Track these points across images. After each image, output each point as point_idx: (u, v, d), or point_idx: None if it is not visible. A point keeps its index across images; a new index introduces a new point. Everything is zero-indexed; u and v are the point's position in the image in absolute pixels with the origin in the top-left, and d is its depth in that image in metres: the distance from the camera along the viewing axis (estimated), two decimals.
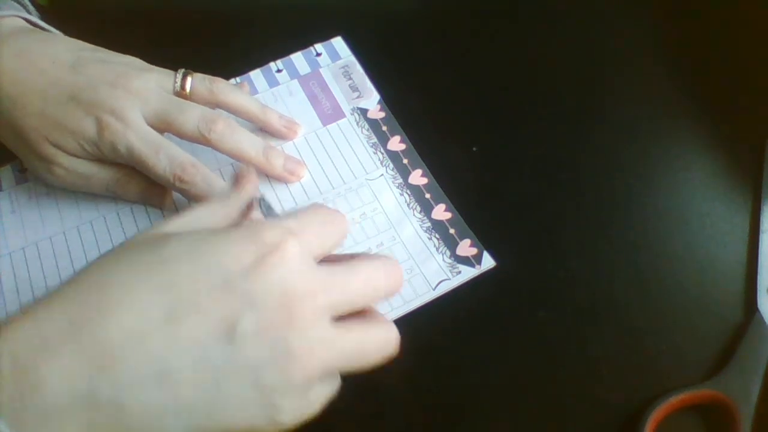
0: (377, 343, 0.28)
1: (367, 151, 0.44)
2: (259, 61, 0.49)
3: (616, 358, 0.36)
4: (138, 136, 0.39)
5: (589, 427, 0.34)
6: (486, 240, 0.40)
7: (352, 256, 0.29)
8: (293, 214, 0.28)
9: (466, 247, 0.40)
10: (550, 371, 0.36)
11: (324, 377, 0.26)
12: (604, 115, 0.45)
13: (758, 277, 0.37)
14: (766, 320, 0.36)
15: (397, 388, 0.36)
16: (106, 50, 0.42)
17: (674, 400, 0.34)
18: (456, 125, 0.45)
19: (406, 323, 0.38)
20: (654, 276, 0.38)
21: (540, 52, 0.49)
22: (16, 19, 0.41)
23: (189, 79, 0.41)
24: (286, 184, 0.43)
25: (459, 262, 0.39)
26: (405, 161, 0.43)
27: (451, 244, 0.40)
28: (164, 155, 0.39)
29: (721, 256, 0.39)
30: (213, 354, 0.24)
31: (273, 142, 0.45)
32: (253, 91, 0.48)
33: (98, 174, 0.41)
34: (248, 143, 0.41)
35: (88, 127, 0.38)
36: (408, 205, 0.42)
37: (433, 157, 0.43)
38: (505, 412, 0.35)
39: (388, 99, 0.46)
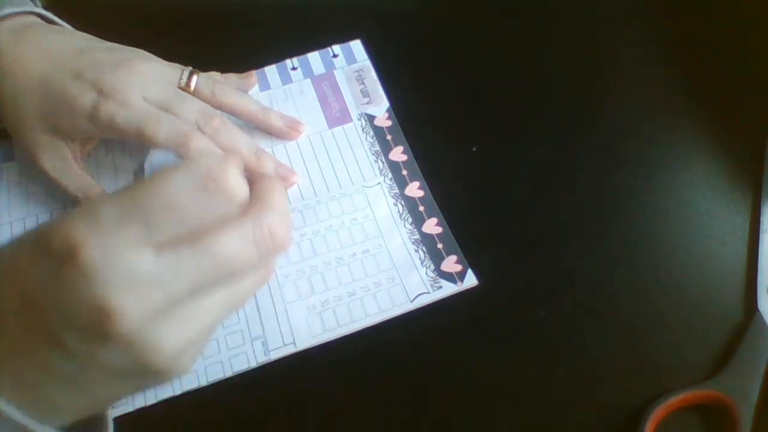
0: (250, 290, 0.25)
1: (369, 158, 0.44)
2: (277, 57, 0.49)
3: (616, 358, 0.36)
4: (136, 109, 0.39)
5: (589, 427, 0.35)
6: (485, 240, 0.40)
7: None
8: (113, 199, 0.23)
9: (451, 264, 0.39)
10: (550, 371, 0.36)
11: (207, 337, 0.25)
12: (604, 115, 0.45)
13: (758, 277, 0.37)
14: (766, 320, 0.36)
15: (397, 387, 0.36)
16: (118, 44, 0.42)
17: (674, 400, 0.34)
18: (461, 134, 0.45)
19: (407, 322, 0.38)
20: (654, 276, 0.38)
21: (540, 54, 0.49)
22: (31, 16, 0.42)
23: (195, 78, 0.42)
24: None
25: (441, 277, 0.39)
26: (404, 172, 0.43)
27: (436, 258, 0.40)
28: (165, 121, 0.38)
29: (721, 256, 0.39)
30: (56, 362, 0.23)
31: (276, 143, 0.45)
32: (266, 86, 0.48)
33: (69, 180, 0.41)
34: (242, 142, 0.42)
35: (87, 101, 0.38)
36: (400, 215, 0.41)
37: (435, 166, 0.43)
38: (505, 412, 0.35)
39: (397, 107, 0.46)
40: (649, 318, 0.37)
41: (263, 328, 0.38)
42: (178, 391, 0.36)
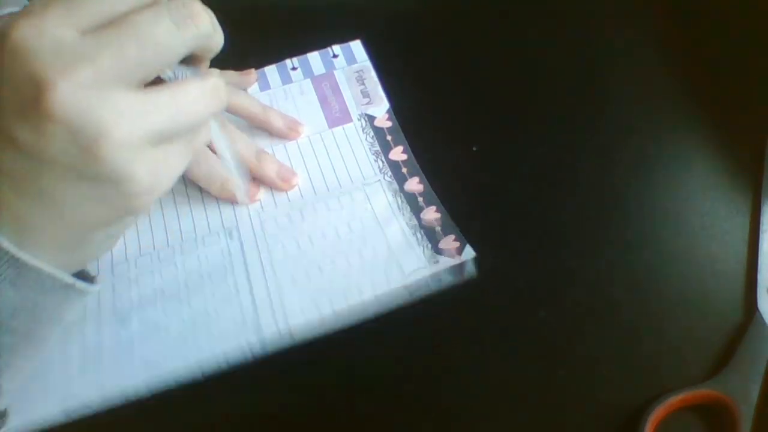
0: (195, 95, 0.27)
1: (368, 158, 0.44)
2: (277, 57, 0.49)
3: (616, 358, 0.36)
4: None
5: (589, 427, 0.35)
6: (485, 240, 0.40)
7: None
8: None
9: (449, 241, 0.39)
10: (549, 371, 0.36)
11: (154, 141, 0.25)
12: (603, 115, 0.45)
13: (758, 277, 0.37)
14: (766, 320, 0.36)
15: (395, 388, 0.36)
16: None
17: (674, 400, 0.34)
18: (461, 134, 0.45)
19: (406, 321, 0.38)
20: (654, 276, 0.38)
21: (540, 54, 0.49)
22: None
23: None
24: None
25: (438, 254, 0.39)
26: (404, 170, 0.43)
27: (434, 239, 0.40)
28: None
29: (721, 256, 0.39)
30: (15, 165, 0.24)
31: (276, 142, 0.45)
32: (266, 86, 0.48)
33: None
34: (242, 144, 0.42)
35: None
36: (399, 207, 0.42)
37: (435, 164, 0.43)
38: (504, 412, 0.35)
39: (397, 107, 0.46)
40: (649, 318, 0.37)
41: (258, 316, 0.38)
42: (170, 381, 0.36)
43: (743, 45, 0.47)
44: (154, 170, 0.25)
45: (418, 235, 0.40)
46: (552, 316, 0.38)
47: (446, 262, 0.38)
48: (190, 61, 0.29)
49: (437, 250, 0.39)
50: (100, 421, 0.35)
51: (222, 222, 0.42)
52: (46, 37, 0.23)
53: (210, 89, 0.27)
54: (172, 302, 0.39)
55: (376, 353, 0.37)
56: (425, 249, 0.39)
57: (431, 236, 0.40)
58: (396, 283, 0.38)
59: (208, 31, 0.26)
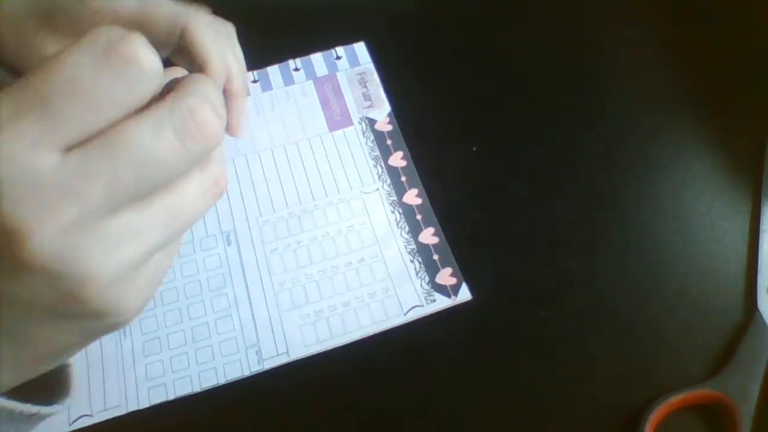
0: (193, 195, 0.22)
1: (368, 163, 0.44)
2: (280, 57, 0.49)
3: (616, 358, 0.36)
4: None
5: (589, 427, 0.35)
6: (486, 240, 0.40)
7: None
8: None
9: (446, 276, 0.39)
10: (550, 371, 0.36)
11: (145, 261, 0.21)
12: (604, 115, 0.45)
13: (758, 277, 0.37)
14: (766, 320, 0.36)
15: (395, 389, 0.36)
16: None
17: (674, 400, 0.34)
18: (461, 134, 0.45)
19: (405, 322, 0.38)
20: (654, 276, 0.39)
21: (541, 55, 0.49)
22: None
23: None
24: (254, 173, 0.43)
25: (436, 290, 0.39)
26: (403, 179, 0.43)
27: (431, 270, 0.39)
28: None
29: (721, 256, 0.39)
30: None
31: (277, 145, 0.45)
32: (267, 86, 0.48)
33: None
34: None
35: None
36: (397, 223, 0.41)
37: (435, 164, 0.43)
38: (505, 412, 0.35)
39: (398, 109, 0.46)
40: (648, 318, 0.37)
41: (258, 336, 0.38)
42: (171, 396, 0.36)
43: (743, 45, 0.47)
44: (144, 292, 0.22)
45: (416, 264, 0.40)
46: (552, 316, 0.38)
47: (443, 302, 0.38)
48: None
49: (434, 285, 0.39)
50: (100, 429, 0.36)
51: (219, 225, 0.42)
52: (19, 168, 0.18)
53: (210, 185, 0.23)
54: (171, 313, 0.39)
55: (375, 354, 0.37)
56: (422, 282, 0.39)
57: (428, 266, 0.40)
58: (395, 320, 0.38)
59: (218, 142, 0.21)
